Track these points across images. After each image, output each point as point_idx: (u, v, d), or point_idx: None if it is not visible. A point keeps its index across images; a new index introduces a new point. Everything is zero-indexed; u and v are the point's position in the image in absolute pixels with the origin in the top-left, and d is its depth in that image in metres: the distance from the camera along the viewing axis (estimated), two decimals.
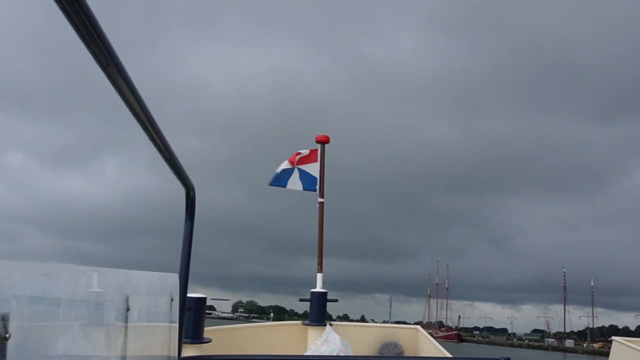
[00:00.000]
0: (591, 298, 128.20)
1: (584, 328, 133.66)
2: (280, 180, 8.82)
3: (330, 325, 7.39)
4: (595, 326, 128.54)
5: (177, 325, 3.15)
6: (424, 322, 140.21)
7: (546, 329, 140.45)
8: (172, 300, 2.97)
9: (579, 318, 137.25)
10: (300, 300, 8.23)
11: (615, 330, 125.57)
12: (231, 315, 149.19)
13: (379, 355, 7.84)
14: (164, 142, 2.43)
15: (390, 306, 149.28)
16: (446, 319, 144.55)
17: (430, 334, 8.26)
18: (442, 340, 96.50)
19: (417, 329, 8.36)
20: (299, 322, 7.96)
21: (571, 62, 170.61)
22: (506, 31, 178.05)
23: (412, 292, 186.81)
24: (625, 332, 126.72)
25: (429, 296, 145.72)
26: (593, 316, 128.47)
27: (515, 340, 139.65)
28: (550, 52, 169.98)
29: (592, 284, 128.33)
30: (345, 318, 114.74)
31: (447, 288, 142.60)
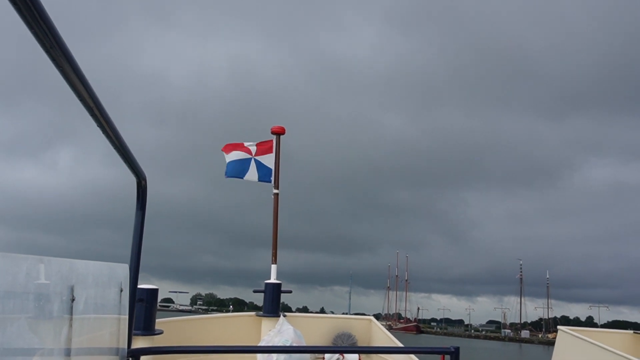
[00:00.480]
0: (547, 290, 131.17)
1: (537, 319, 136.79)
2: (238, 171, 8.79)
3: (284, 316, 7.44)
4: (549, 317, 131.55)
5: (127, 316, 3.11)
6: (383, 314, 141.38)
7: (502, 320, 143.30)
8: (121, 291, 2.90)
9: (534, 309, 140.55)
10: (254, 291, 8.23)
11: (567, 321, 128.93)
12: (190, 307, 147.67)
13: (332, 345, 7.94)
14: (113, 129, 2.35)
15: (350, 298, 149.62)
16: (405, 310, 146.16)
17: (389, 325, 8.38)
18: (401, 332, 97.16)
19: (370, 319, 8.46)
20: (253, 313, 7.97)
21: (525, 60, 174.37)
22: (463, 28, 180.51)
23: (371, 284, 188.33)
24: (576, 322, 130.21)
25: (389, 288, 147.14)
26: (549, 307, 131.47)
27: (472, 331, 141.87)
28: (505, 49, 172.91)
29: (547, 276, 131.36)
30: (304, 310, 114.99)
31: (407, 280, 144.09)
